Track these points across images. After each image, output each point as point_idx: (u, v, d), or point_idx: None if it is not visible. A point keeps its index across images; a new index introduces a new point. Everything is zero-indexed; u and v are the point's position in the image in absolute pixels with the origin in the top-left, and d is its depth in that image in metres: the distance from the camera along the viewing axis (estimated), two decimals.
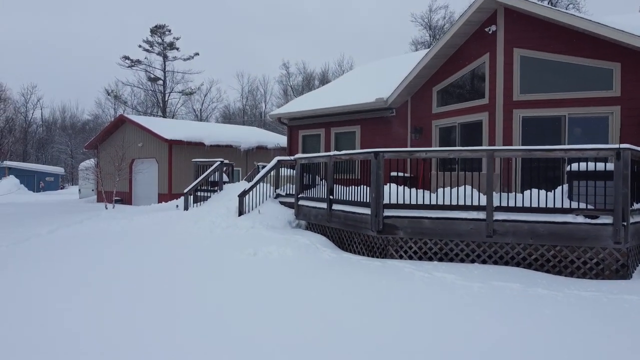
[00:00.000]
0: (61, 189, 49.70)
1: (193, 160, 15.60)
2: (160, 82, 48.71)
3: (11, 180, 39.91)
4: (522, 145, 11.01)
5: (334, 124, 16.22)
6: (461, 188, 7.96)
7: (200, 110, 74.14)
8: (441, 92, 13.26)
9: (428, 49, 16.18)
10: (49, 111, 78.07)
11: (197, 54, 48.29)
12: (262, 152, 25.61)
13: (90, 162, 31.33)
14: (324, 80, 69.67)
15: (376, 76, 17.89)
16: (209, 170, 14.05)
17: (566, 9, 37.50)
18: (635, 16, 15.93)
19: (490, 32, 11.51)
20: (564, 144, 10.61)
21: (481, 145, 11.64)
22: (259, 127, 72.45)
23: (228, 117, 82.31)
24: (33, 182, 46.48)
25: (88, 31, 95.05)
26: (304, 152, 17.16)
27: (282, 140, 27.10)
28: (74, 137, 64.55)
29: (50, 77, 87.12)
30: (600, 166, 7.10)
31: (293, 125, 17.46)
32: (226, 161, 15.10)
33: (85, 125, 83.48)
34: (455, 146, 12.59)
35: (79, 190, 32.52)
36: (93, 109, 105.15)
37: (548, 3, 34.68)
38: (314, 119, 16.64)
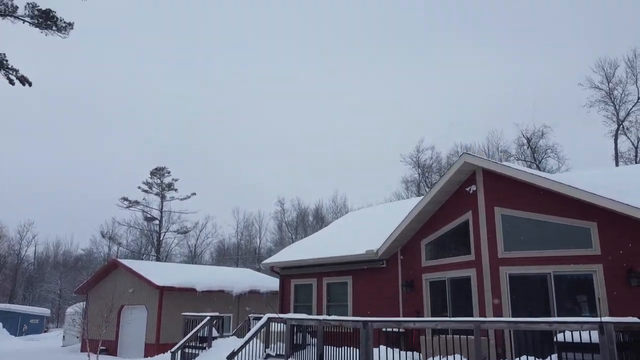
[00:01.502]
0: (45, 332, 47.79)
1: (183, 314, 15.41)
2: (157, 221, 49.65)
3: None
4: (511, 304, 11.02)
5: (326, 274, 16.31)
6: (451, 357, 7.88)
7: (195, 245, 74.15)
8: (429, 245, 13.60)
9: (417, 200, 16.97)
10: (43, 247, 77.94)
11: (194, 194, 49.96)
12: (254, 296, 25.29)
13: (77, 307, 30.61)
14: (318, 216, 71.02)
15: (366, 224, 18.44)
16: (198, 327, 13.82)
17: (544, 152, 39.83)
18: (608, 171, 16.99)
19: (471, 192, 12.18)
20: (551, 302, 10.65)
21: (471, 302, 11.67)
22: (253, 263, 72.10)
23: (222, 253, 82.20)
24: (17, 324, 44.83)
25: (88, 168, 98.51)
26: (296, 301, 17.03)
27: (275, 282, 26.92)
28: (65, 274, 63.70)
29: (48, 213, 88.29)
30: (587, 336, 7.12)
31: (285, 274, 17.53)
32: (216, 314, 14.91)
33: (77, 260, 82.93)
34: (446, 300, 12.60)
35: (63, 336, 31.32)
36: (87, 244, 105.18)
37: (528, 148, 37.03)
38: (306, 269, 16.76)
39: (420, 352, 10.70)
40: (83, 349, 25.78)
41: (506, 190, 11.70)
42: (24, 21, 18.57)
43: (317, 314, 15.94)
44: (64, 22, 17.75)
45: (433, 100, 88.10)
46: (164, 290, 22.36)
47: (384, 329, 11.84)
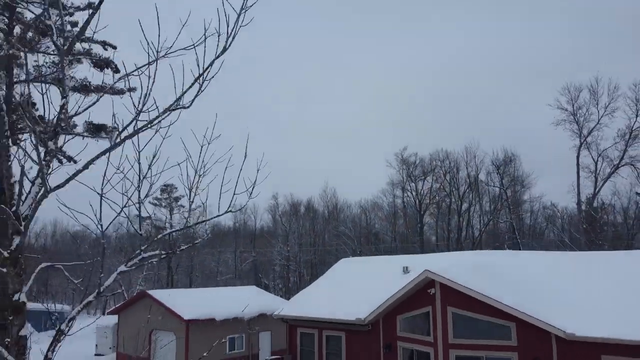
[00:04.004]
0: None
1: None
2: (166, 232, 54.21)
3: None
4: None
5: (325, 328, 21.15)
6: None
7: (193, 231, 78.67)
8: (403, 320, 18.42)
9: (400, 259, 21.67)
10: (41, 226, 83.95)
11: (199, 206, 54.22)
12: (262, 319, 30.27)
13: (107, 320, 35.44)
14: (310, 207, 75.97)
15: (357, 278, 23.16)
16: None
17: (511, 180, 44.52)
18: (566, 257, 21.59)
19: (431, 293, 16.91)
20: None
21: None
22: (250, 250, 76.78)
23: (220, 236, 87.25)
24: (40, 322, 49.74)
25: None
26: (301, 346, 21.92)
27: (279, 302, 32.10)
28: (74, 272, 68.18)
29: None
30: None
31: (292, 324, 22.37)
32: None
33: (75, 237, 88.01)
34: None
35: (96, 345, 36.20)
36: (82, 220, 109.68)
37: (497, 174, 41.72)
38: (309, 322, 21.58)
39: None
40: None
41: (456, 296, 16.43)
42: (83, 137, 22.82)
43: (318, 359, 20.93)
44: (111, 128, 21.95)
45: (417, 105, 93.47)
46: (189, 322, 27.18)
47: None
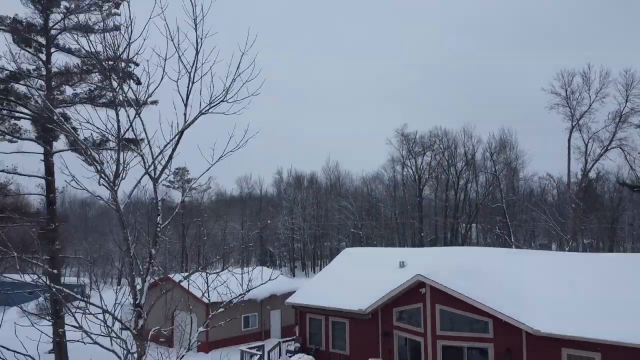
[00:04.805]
0: None
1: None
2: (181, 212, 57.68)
3: None
4: None
5: (331, 315, 24.23)
6: None
7: (202, 200, 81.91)
8: (398, 312, 21.41)
9: (402, 250, 24.48)
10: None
11: (209, 187, 57.40)
12: (273, 299, 33.50)
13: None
14: (313, 180, 78.87)
15: (360, 268, 26.08)
16: None
17: (503, 166, 46.93)
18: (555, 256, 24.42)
19: (422, 292, 19.81)
20: None
21: (420, 357, 19.70)
22: (257, 221, 79.95)
23: (226, 203, 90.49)
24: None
25: None
26: (310, 330, 25.07)
27: (288, 284, 35.32)
28: (85, 233, 71.27)
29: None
30: None
31: (302, 310, 25.46)
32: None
33: (83, 204, 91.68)
34: (406, 351, 20.64)
35: None
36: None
37: (491, 161, 44.20)
38: (317, 309, 24.65)
39: None
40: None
41: (443, 296, 19.32)
42: (116, 151, 25.50)
43: (325, 343, 24.12)
44: (139, 140, 24.53)
45: (417, 84, 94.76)
46: (209, 305, 30.32)
47: None
